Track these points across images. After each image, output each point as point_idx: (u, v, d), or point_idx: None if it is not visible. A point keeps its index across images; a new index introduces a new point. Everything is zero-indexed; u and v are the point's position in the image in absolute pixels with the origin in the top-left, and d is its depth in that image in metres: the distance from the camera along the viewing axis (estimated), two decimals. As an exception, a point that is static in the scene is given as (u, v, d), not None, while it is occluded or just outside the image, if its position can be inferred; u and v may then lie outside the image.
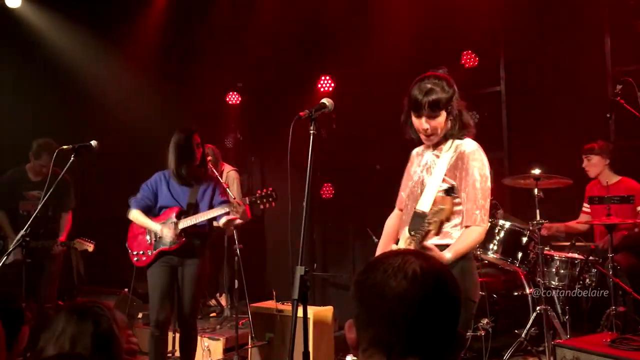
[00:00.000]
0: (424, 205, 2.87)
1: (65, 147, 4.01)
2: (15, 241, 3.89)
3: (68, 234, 5.50)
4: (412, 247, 2.73)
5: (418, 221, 2.81)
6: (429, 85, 2.81)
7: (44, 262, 5.34)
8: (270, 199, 4.35)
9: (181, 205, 4.48)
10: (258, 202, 4.36)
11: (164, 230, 4.38)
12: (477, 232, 2.78)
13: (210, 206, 4.47)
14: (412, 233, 2.81)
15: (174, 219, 4.41)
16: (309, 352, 2.73)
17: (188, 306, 4.47)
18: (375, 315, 1.27)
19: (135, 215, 4.51)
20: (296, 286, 2.57)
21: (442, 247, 2.78)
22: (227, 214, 4.38)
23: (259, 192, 4.40)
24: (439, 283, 1.29)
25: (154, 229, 4.44)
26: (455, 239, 2.82)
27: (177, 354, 4.90)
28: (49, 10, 6.73)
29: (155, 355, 4.45)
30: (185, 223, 4.38)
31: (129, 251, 4.58)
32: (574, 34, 5.87)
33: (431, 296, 1.27)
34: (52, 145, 5.14)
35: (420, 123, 2.86)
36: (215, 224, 4.62)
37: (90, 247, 5.33)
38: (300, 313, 2.61)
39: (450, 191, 2.67)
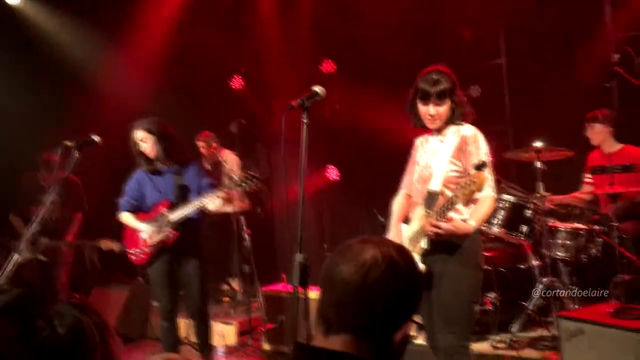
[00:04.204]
0: (435, 185, 3.18)
1: (68, 143, 4.04)
2: (25, 238, 3.95)
3: (76, 234, 5.53)
4: (429, 221, 3.01)
5: (432, 199, 3.15)
6: (435, 77, 3.12)
7: (51, 260, 5.37)
8: (252, 181, 4.08)
9: (170, 198, 4.40)
10: (243, 185, 4.11)
11: (148, 229, 4.38)
12: (490, 199, 3.09)
13: (199, 192, 4.33)
14: (428, 210, 3.12)
15: (165, 213, 4.31)
16: (312, 335, 2.80)
17: (197, 299, 4.47)
18: (324, 294, 1.48)
19: (125, 218, 4.53)
20: (296, 273, 2.64)
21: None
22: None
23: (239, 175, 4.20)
24: (385, 271, 1.41)
25: (141, 229, 4.42)
26: (465, 214, 3.09)
27: (192, 338, 4.96)
28: (48, 6, 6.73)
29: (167, 345, 4.49)
30: (176, 216, 4.27)
31: (127, 250, 4.55)
32: (575, 2, 5.80)
33: (370, 284, 1.40)
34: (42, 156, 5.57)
35: (427, 110, 3.16)
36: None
37: (116, 247, 5.32)
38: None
39: (481, 166, 2.90)
